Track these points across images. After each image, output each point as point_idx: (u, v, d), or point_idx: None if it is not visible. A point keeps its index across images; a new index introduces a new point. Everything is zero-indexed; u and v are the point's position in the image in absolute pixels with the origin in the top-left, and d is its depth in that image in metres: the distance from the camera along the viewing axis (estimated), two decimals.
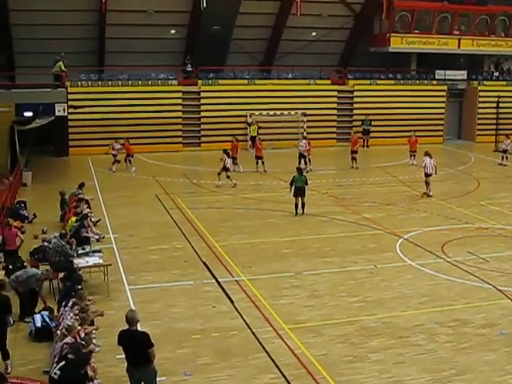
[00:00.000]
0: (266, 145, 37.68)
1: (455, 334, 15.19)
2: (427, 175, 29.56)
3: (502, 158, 38.21)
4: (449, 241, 22.66)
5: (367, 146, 44.36)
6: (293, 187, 26.06)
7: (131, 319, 11.69)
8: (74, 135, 40.12)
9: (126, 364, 11.74)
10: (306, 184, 26.29)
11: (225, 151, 31.97)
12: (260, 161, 35.12)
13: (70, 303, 14.34)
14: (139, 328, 12.57)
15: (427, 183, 29.64)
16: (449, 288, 18.20)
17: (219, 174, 31.29)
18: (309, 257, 20.88)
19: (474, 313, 16.46)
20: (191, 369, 13.40)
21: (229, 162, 31.53)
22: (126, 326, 11.68)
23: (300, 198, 25.99)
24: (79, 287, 15.75)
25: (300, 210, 26.00)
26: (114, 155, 35.10)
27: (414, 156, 37.44)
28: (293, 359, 13.85)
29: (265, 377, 13.12)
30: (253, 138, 40.82)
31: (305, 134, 40.52)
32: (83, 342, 12.37)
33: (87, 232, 21.01)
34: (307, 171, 32.87)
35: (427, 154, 29.98)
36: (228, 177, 31.38)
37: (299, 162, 34.62)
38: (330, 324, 15.70)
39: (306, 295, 17.59)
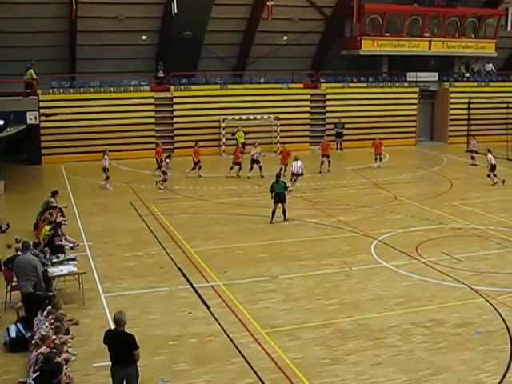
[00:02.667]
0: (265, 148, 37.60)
1: (431, 334, 15.28)
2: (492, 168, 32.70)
3: (472, 158, 38.59)
4: (423, 242, 22.80)
5: (341, 149, 44.56)
6: (273, 194, 25.76)
7: (119, 320, 11.73)
8: (46, 143, 39.85)
9: (106, 369, 11.67)
10: (286, 189, 26.12)
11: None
12: (238, 167, 34.94)
13: (45, 312, 14.22)
14: None
15: (495, 175, 32.67)
16: (424, 288, 18.31)
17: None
18: (284, 260, 20.90)
19: (449, 312, 16.56)
20: (168, 375, 13.35)
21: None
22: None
23: (281, 204, 25.69)
24: (51, 294, 15.58)
25: (281, 217, 25.61)
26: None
27: (381, 159, 37.53)
28: (270, 363, 13.85)
29: (242, 382, 13.10)
30: (243, 145, 41.04)
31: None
32: (55, 351, 12.25)
33: (61, 240, 20.85)
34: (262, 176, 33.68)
35: (489, 150, 33.42)
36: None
37: (250, 169, 34.70)
38: (306, 327, 15.72)
39: (281, 299, 17.60)
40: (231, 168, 34.92)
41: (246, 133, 41.96)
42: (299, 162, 31.57)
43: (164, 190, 31.65)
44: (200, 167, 34.93)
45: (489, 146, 35.38)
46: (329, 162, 36.46)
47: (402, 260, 20.81)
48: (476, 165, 37.84)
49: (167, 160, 32.89)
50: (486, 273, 19.60)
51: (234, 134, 41.91)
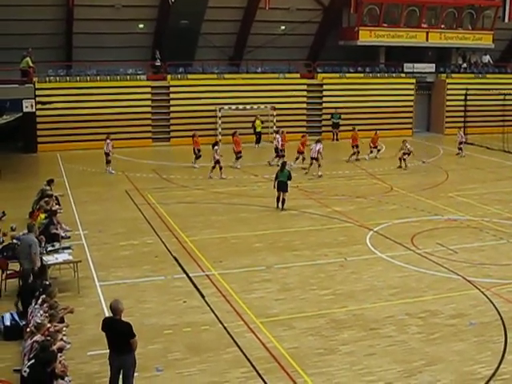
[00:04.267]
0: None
1: (425, 325, 15.32)
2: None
3: (461, 149, 38.76)
4: (418, 233, 22.83)
5: (337, 140, 44.51)
6: (276, 182, 25.90)
7: (114, 309, 11.74)
8: (42, 131, 39.75)
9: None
10: (289, 179, 25.91)
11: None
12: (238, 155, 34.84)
13: (40, 300, 14.22)
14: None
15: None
16: (419, 279, 18.34)
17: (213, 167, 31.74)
18: (279, 250, 20.92)
19: (443, 304, 16.60)
20: (163, 364, 13.37)
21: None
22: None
23: (282, 193, 25.75)
24: (46, 283, 15.57)
25: (280, 205, 25.80)
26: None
27: (358, 152, 36.73)
28: (264, 353, 13.87)
29: (236, 371, 13.12)
30: (259, 134, 41.45)
31: (277, 128, 40.33)
32: (48, 338, 12.24)
33: (57, 229, 20.83)
34: (276, 165, 32.86)
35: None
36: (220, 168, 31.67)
37: (276, 157, 34.67)
38: (301, 317, 15.75)
39: (276, 289, 17.62)
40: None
41: (263, 121, 42.05)
42: (318, 146, 32.23)
43: (226, 177, 31.68)
44: (199, 157, 34.80)
45: (484, 138, 35.55)
46: (358, 153, 36.56)
47: (397, 251, 20.84)
48: (463, 156, 37.99)
49: (216, 147, 32.07)
50: (481, 264, 19.64)
51: (253, 123, 42.03)
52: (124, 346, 11.63)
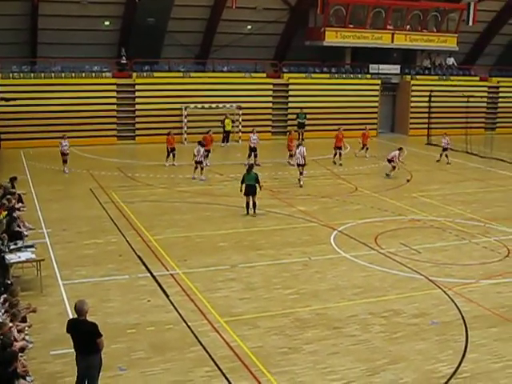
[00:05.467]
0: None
1: (388, 324, 15.45)
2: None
3: (445, 155, 37.53)
4: (382, 233, 23.01)
5: (302, 140, 44.58)
6: (243, 186, 25.10)
7: (79, 310, 11.59)
8: (5, 128, 39.28)
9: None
10: (257, 182, 24.92)
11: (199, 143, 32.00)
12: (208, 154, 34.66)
13: (1, 299, 14.08)
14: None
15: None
16: (382, 279, 18.49)
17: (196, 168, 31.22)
18: (244, 250, 20.95)
19: (406, 303, 16.75)
20: (126, 363, 13.31)
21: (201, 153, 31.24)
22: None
23: (251, 197, 25.00)
24: (8, 282, 15.41)
25: (251, 210, 25.07)
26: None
27: (340, 154, 36.74)
28: (228, 352, 13.89)
29: (200, 370, 13.12)
30: (228, 133, 41.66)
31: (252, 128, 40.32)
32: (7, 338, 12.08)
33: (19, 226, 20.61)
34: (258, 165, 32.84)
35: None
36: (202, 168, 31.25)
37: (249, 156, 34.67)
38: (265, 316, 15.78)
39: (241, 288, 17.64)
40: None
41: (233, 121, 42.00)
42: (302, 149, 30.64)
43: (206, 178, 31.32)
44: (174, 155, 34.70)
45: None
46: (340, 154, 36.36)
47: (361, 250, 20.98)
48: (450, 162, 37.56)
49: (198, 148, 31.45)
50: (444, 264, 19.85)
51: (222, 122, 41.98)
52: (91, 347, 11.50)
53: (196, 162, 31.11)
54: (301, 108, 45.32)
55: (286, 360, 13.59)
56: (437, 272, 19.11)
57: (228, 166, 34.64)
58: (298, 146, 31.27)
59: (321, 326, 15.31)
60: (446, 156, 37.40)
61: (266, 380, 12.79)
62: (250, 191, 25.01)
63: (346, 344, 14.37)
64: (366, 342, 14.48)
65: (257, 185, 24.98)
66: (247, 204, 25.06)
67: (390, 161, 32.67)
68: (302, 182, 30.31)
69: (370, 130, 41.24)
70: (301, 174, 30.45)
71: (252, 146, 35.20)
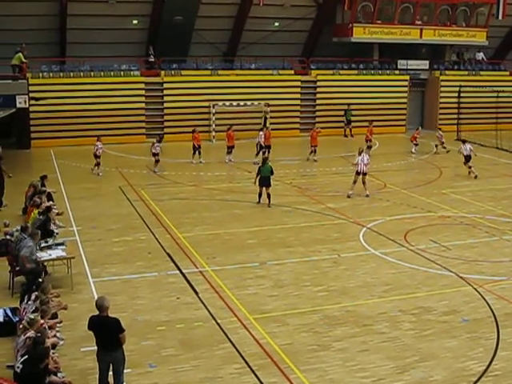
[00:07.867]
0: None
1: (418, 322, 15.36)
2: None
3: (436, 146, 39.24)
4: (411, 229, 22.87)
5: (351, 136, 44.57)
6: (258, 178, 25.97)
7: (100, 306, 11.68)
8: (35, 127, 39.67)
9: (94, 353, 11.70)
10: (272, 173, 26.00)
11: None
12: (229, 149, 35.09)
13: (33, 296, 14.22)
14: None
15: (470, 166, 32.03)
16: (412, 276, 18.38)
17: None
18: (273, 247, 20.93)
19: (436, 300, 16.64)
20: (156, 360, 13.37)
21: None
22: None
23: (265, 189, 25.89)
24: (40, 280, 15.56)
25: (266, 201, 25.74)
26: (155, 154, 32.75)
27: (315, 152, 35.88)
28: (258, 349, 13.89)
29: (230, 367, 13.14)
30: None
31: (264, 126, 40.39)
32: (39, 334, 12.21)
33: (50, 225, 20.79)
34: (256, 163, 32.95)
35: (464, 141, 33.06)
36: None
37: (257, 154, 34.68)
38: (294, 313, 15.77)
39: (270, 285, 17.63)
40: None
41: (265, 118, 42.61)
42: (365, 157, 27.85)
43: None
44: (200, 152, 34.87)
45: (478, 135, 35.45)
46: (314, 151, 36.08)
47: (390, 247, 20.87)
48: (414, 153, 38.43)
49: (156, 144, 33.09)
50: (474, 261, 19.69)
51: (265, 119, 42.56)
52: (114, 342, 11.59)
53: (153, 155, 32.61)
54: (348, 104, 45.23)
55: (316, 357, 13.56)
56: (467, 269, 18.95)
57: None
58: (360, 153, 27.92)
59: (350, 323, 15.26)
60: (444, 147, 38.70)
61: (296, 377, 12.77)
62: (265, 183, 25.89)
63: (375, 341, 14.31)
64: (396, 340, 14.41)
65: (271, 176, 25.94)
66: (260, 194, 25.98)
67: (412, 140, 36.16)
68: (351, 192, 27.64)
69: (375, 126, 40.78)
70: (354, 182, 27.74)
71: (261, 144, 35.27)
